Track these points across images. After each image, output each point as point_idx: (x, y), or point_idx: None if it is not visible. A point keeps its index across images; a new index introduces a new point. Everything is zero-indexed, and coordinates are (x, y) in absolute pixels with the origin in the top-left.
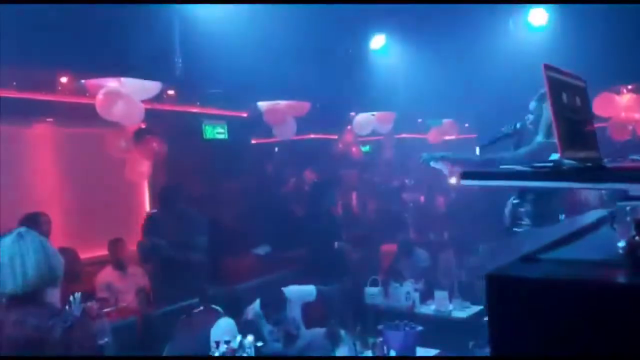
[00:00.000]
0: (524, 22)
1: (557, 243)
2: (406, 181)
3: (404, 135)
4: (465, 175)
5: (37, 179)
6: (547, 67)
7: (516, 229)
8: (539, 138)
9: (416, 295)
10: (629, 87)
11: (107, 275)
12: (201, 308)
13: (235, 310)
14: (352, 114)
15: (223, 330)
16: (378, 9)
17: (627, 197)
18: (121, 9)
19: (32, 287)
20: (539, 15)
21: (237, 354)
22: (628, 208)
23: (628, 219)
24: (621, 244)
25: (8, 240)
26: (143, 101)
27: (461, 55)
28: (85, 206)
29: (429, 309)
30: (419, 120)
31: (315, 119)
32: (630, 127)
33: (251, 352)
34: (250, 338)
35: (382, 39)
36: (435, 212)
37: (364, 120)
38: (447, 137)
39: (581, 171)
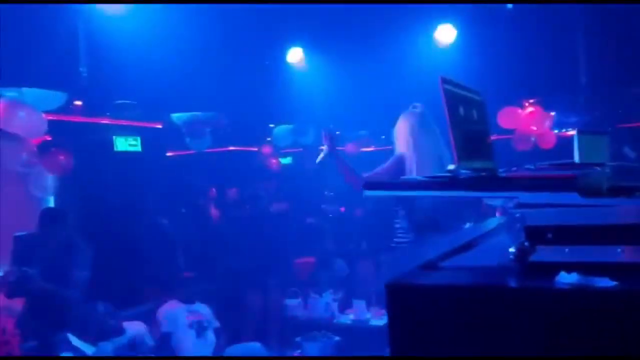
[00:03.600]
0: (433, 38)
1: (457, 250)
2: (325, 192)
3: (323, 148)
4: (367, 186)
5: None
6: (444, 80)
7: (396, 243)
8: (396, 151)
9: (335, 306)
10: (531, 101)
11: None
12: None
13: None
14: (271, 125)
15: None
16: (295, 22)
17: (518, 204)
18: (22, 15)
19: None
20: (446, 33)
21: None
22: (518, 215)
23: (518, 225)
24: (511, 249)
25: None
26: (48, 113)
27: (376, 68)
28: None
29: (348, 318)
30: (337, 132)
31: (233, 131)
32: (533, 139)
33: None
34: None
35: (299, 52)
36: (354, 222)
37: (282, 132)
38: (365, 149)
39: (474, 180)
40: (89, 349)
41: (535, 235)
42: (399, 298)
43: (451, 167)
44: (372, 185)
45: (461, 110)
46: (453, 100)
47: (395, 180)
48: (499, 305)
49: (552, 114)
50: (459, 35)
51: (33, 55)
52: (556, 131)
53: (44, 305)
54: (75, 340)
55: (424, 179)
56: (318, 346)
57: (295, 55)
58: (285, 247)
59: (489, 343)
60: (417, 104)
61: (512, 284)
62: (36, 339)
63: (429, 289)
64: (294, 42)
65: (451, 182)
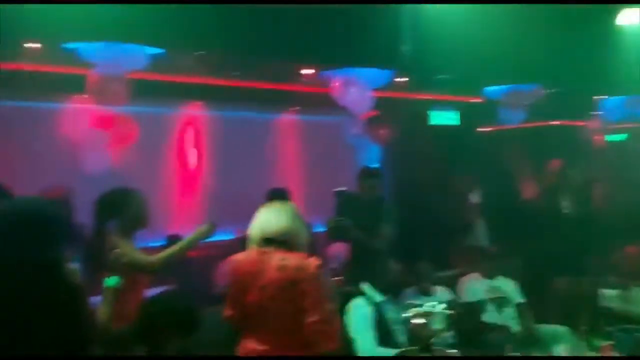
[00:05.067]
0: None
1: None
2: None
3: None
4: None
5: (282, 162)
6: None
7: None
8: None
9: None
10: None
11: (337, 248)
12: None
13: None
14: (596, 97)
15: None
16: None
17: None
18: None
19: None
20: None
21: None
22: None
23: None
24: None
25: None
26: (375, 89)
27: None
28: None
29: None
30: None
31: (553, 104)
32: None
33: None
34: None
35: (635, 12)
36: None
37: (613, 104)
38: None
39: None
40: (378, 298)
41: None
42: None
43: None
44: None
45: None
46: None
47: None
48: None
49: None
50: None
51: (367, 38)
52: None
53: (356, 252)
54: (368, 289)
55: None
56: (631, 340)
57: (628, 17)
58: (609, 233)
59: None
60: None
61: None
62: (350, 285)
63: None
64: (627, 1)
65: None
